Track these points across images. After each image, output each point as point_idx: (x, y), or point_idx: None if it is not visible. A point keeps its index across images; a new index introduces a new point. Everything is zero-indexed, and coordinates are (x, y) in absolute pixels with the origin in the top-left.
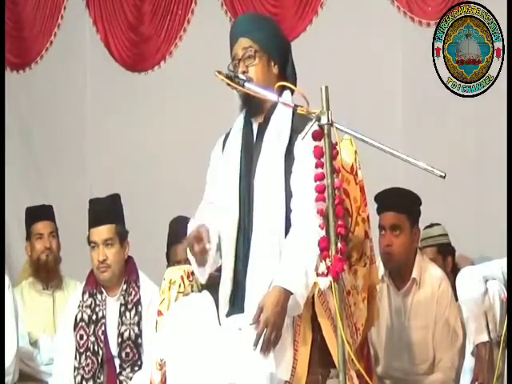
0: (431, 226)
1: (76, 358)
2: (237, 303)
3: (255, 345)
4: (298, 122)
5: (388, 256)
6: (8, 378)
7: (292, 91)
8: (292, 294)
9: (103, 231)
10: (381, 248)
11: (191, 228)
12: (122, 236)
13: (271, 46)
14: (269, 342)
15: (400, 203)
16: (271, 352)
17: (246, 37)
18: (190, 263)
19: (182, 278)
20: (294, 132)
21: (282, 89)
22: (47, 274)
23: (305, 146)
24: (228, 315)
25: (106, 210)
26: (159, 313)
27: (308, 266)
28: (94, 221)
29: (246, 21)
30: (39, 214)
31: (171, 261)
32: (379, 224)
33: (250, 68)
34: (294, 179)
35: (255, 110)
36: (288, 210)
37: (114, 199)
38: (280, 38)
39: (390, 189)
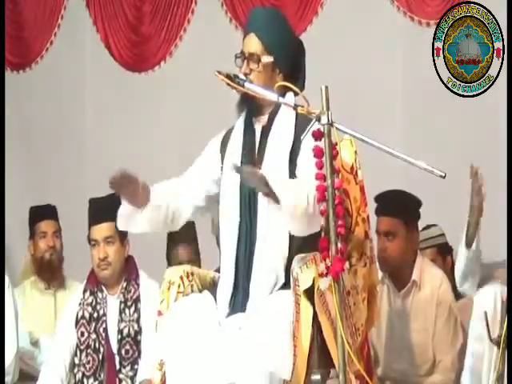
0: (428, 227)
1: (77, 355)
2: (237, 306)
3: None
4: (302, 125)
5: (383, 260)
6: (8, 378)
7: (296, 93)
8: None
9: (104, 229)
10: (377, 251)
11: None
12: (122, 234)
13: (279, 52)
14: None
15: (396, 208)
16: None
17: (257, 34)
18: (191, 264)
19: (182, 279)
20: (298, 135)
21: (285, 91)
22: (50, 273)
23: (308, 149)
24: (227, 317)
25: (107, 208)
26: (159, 313)
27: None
28: (95, 219)
29: (261, 16)
30: (43, 213)
31: (172, 262)
32: (376, 228)
33: (253, 72)
34: None
35: (255, 109)
36: None
37: (114, 198)
38: (291, 42)
39: (388, 192)
